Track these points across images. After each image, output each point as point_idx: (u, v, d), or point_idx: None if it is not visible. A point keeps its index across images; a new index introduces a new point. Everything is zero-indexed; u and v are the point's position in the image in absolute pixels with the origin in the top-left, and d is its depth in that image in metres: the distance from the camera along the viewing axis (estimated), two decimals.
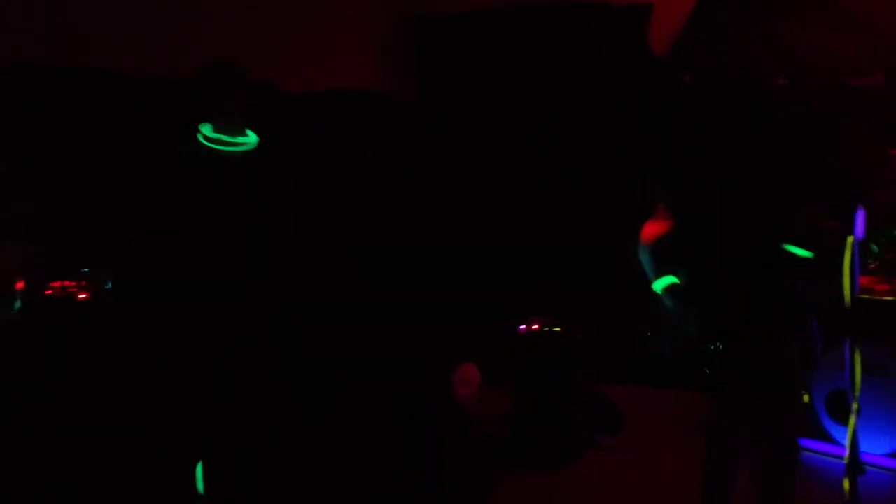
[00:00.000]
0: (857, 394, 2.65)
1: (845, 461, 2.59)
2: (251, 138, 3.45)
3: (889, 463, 4.52)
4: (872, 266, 3.78)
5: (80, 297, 3.44)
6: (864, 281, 4.61)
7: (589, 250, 6.12)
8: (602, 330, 5.00)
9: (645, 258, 3.18)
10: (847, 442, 2.58)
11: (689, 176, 3.13)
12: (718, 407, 3.19)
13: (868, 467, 2.85)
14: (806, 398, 4.09)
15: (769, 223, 2.96)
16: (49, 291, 3.39)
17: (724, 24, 6.24)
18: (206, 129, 3.39)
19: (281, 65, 5.40)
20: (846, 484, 2.58)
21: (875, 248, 3.80)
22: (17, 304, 3.43)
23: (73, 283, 3.47)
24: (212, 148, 3.35)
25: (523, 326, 4.76)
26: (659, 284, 3.10)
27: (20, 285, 3.45)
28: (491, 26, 6.62)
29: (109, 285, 3.58)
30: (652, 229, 3.18)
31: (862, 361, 2.62)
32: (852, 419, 2.52)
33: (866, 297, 4.65)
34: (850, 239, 2.63)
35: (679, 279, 3.08)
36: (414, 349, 4.73)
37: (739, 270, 2.93)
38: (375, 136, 5.84)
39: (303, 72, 5.75)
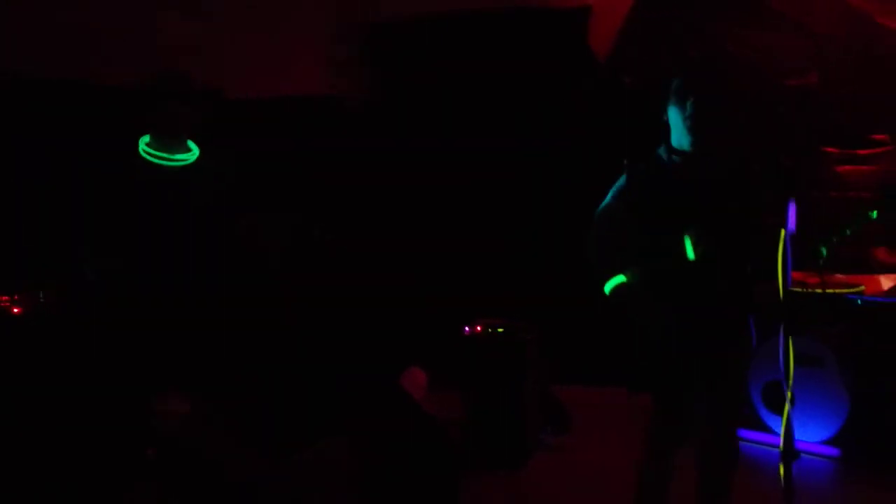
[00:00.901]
0: (790, 383, 2.73)
1: (780, 449, 2.66)
2: (191, 153, 3.40)
3: (823, 450, 4.67)
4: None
5: (14, 311, 3.37)
6: (796, 275, 4.76)
7: (538, 250, 6.17)
8: (550, 330, 5.04)
9: (594, 252, 3.21)
10: (782, 430, 2.66)
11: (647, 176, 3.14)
12: (664, 413, 3.20)
13: (803, 454, 2.93)
14: None
15: (735, 226, 3.02)
16: None
17: (662, 26, 6.34)
18: (145, 141, 3.34)
19: (228, 71, 5.34)
20: (781, 470, 2.65)
21: (824, 250, 3.92)
22: None
23: (7, 297, 3.39)
24: (151, 162, 3.30)
25: (467, 329, 4.78)
26: (609, 285, 3.12)
27: None
28: (437, 32, 6.63)
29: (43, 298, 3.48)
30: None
31: (795, 353, 2.70)
32: (787, 407, 2.59)
33: (799, 290, 4.80)
34: (782, 232, 2.69)
35: (628, 277, 3.09)
36: (365, 355, 4.69)
37: (704, 270, 2.99)
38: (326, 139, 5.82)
39: (251, 78, 5.69)
